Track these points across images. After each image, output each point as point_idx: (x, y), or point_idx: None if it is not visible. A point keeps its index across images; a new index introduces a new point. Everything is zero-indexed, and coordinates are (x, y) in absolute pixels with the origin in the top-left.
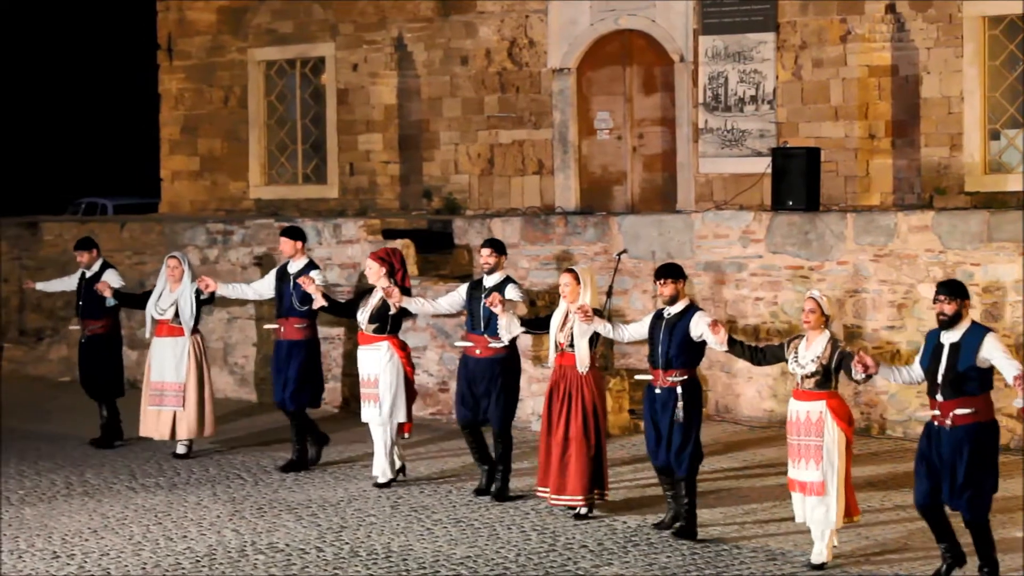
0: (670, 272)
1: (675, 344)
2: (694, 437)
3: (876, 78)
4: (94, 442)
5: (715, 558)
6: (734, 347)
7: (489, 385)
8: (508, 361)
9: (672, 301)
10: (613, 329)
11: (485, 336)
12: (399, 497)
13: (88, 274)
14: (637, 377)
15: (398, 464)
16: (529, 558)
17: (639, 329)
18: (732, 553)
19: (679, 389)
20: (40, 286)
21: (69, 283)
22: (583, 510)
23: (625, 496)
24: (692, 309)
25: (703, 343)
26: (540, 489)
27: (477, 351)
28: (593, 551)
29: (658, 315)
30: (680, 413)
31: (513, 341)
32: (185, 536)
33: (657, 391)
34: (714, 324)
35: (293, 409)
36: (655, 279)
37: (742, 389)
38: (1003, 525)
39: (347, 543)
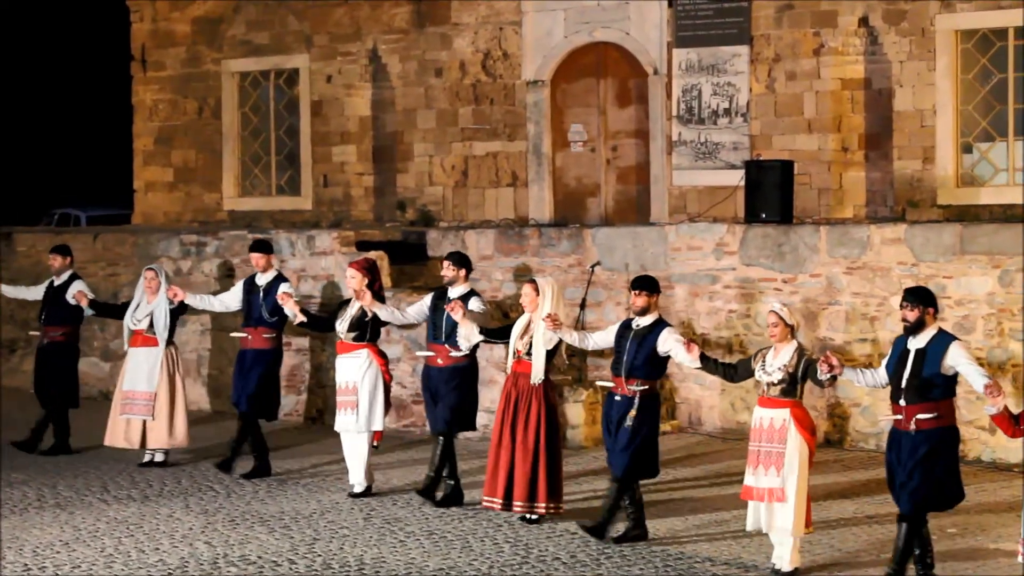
0: (645, 284)
1: (641, 356)
2: (641, 444)
3: (849, 91)
4: (18, 445)
5: (687, 571)
6: (707, 363)
7: (446, 393)
8: (467, 370)
9: (643, 312)
10: (580, 338)
11: (446, 346)
12: (372, 509)
13: (56, 282)
14: (599, 383)
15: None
16: (502, 570)
17: (605, 337)
18: (704, 566)
19: (636, 399)
20: (5, 289)
21: (35, 292)
22: (532, 516)
23: (599, 508)
24: (661, 324)
25: (667, 358)
26: (487, 499)
27: (438, 360)
28: (566, 563)
29: (626, 324)
30: (630, 421)
31: (473, 351)
32: (157, 548)
33: (617, 398)
34: (689, 344)
35: (246, 411)
36: (630, 288)
37: (715, 401)
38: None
39: (319, 555)
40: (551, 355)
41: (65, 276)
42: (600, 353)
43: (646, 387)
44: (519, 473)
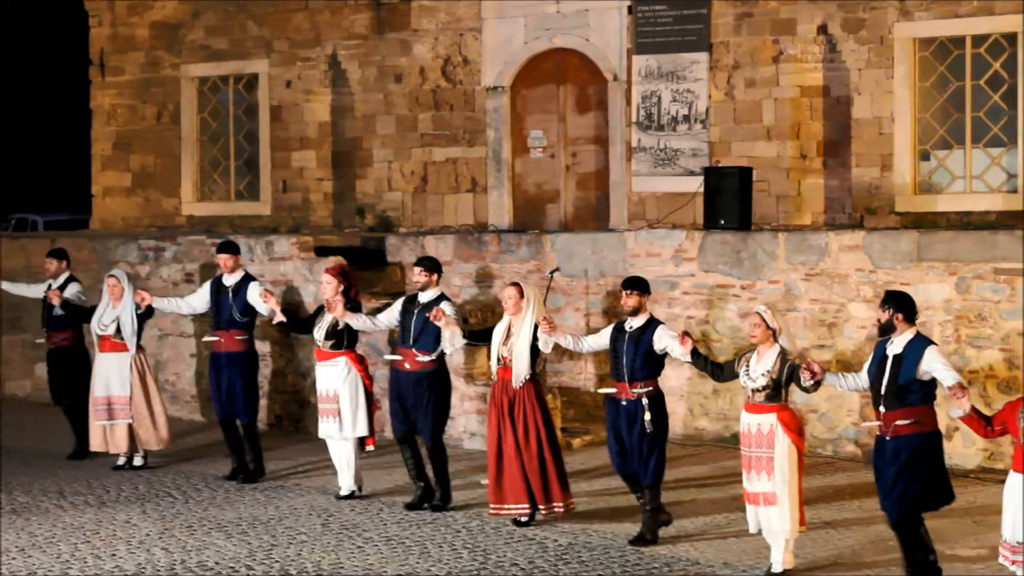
0: (636, 284)
1: (640, 357)
2: (661, 446)
3: (808, 98)
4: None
5: (645, 575)
6: (697, 359)
7: (418, 399)
8: (437, 375)
9: (634, 312)
10: (574, 342)
11: (414, 350)
12: (330, 515)
13: (54, 286)
14: (601, 391)
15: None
16: None
17: (599, 340)
18: (663, 571)
19: (645, 401)
20: (6, 285)
21: (35, 290)
22: (524, 518)
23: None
24: (654, 323)
25: (665, 355)
26: (498, 507)
27: (406, 364)
28: (524, 569)
29: (619, 328)
30: (649, 425)
31: (442, 355)
32: (114, 555)
33: (623, 403)
34: (683, 337)
35: (247, 421)
36: (622, 288)
37: (674, 407)
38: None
39: (277, 561)
40: (535, 356)
41: (61, 280)
42: (560, 358)
43: (650, 388)
44: (532, 478)
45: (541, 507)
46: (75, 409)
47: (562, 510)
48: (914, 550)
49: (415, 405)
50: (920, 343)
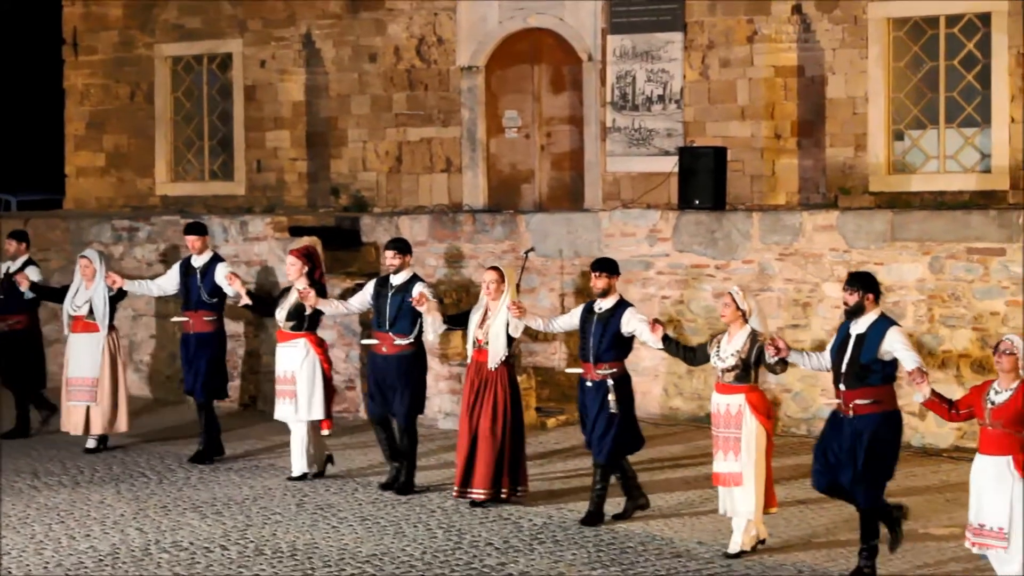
0: (605, 266)
1: (607, 339)
2: (621, 426)
3: (782, 78)
4: (7, 435)
5: (620, 555)
6: (668, 345)
7: (396, 381)
8: (414, 358)
9: (604, 294)
10: (545, 324)
11: (391, 334)
12: (304, 495)
13: (12, 268)
14: (568, 371)
15: (324, 455)
16: (435, 556)
17: (570, 320)
18: (638, 550)
19: (610, 382)
20: None
21: None
22: (477, 499)
23: (531, 492)
24: (623, 305)
25: (632, 337)
26: (456, 488)
27: (383, 348)
28: (499, 548)
29: (588, 308)
30: (613, 405)
31: (419, 338)
32: (88, 535)
33: (588, 384)
34: (653, 324)
35: (203, 400)
36: (591, 270)
37: (649, 387)
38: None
39: (252, 541)
40: (511, 339)
41: (20, 262)
42: (534, 338)
43: (615, 370)
44: (482, 460)
45: (480, 490)
46: (32, 389)
47: (507, 495)
48: (877, 528)
49: (393, 387)
50: (883, 323)
